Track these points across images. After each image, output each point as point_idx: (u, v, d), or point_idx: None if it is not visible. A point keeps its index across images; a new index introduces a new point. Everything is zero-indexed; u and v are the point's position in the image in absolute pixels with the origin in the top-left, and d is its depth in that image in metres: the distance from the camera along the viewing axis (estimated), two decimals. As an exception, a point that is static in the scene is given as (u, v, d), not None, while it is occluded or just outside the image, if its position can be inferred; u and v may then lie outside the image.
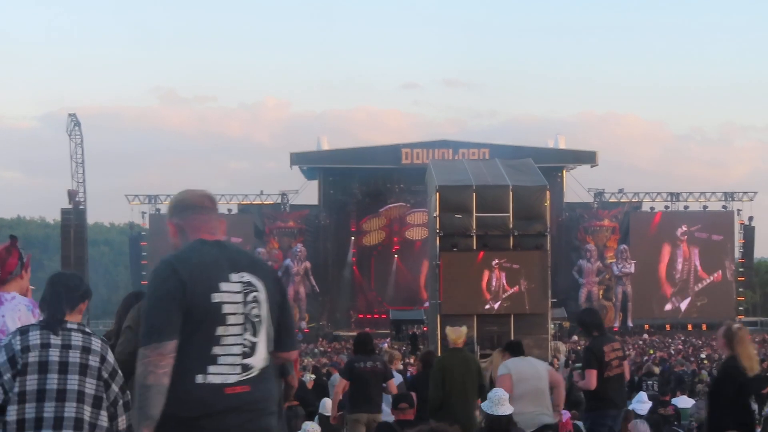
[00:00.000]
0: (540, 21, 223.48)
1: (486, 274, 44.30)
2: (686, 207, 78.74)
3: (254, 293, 5.13)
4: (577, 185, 78.99)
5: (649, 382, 25.73)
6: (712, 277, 78.09)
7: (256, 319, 5.13)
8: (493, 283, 44.54)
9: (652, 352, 51.13)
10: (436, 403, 13.42)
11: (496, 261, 44.43)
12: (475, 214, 43.98)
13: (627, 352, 21.14)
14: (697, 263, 78.21)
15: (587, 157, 79.93)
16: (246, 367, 5.08)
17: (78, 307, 6.15)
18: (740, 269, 79.37)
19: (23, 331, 5.76)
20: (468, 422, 13.11)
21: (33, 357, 5.58)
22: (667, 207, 79.04)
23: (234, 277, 5.10)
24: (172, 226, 5.36)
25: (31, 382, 5.61)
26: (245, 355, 5.08)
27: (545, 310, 44.20)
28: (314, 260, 76.93)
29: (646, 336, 72.48)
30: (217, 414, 4.97)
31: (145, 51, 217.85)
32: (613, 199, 79.38)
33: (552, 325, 49.45)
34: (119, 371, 5.91)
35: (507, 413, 11.23)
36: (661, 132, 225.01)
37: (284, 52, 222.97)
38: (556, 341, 49.79)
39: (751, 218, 78.14)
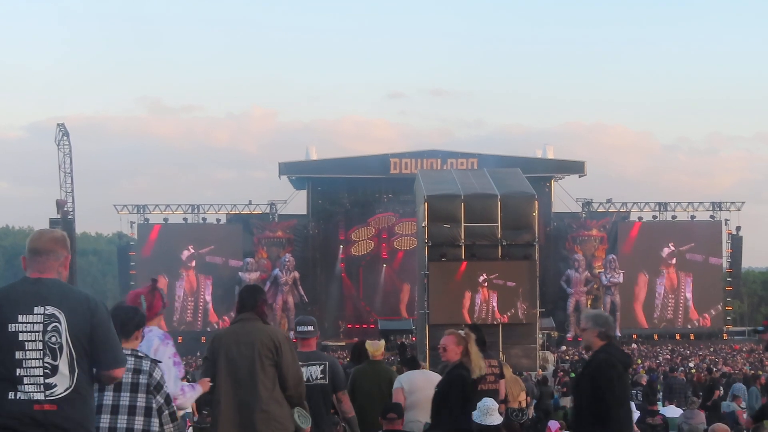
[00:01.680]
0: (526, 31, 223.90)
1: (468, 297, 44.18)
2: (674, 217, 78.79)
3: (54, 324, 5.87)
4: (566, 195, 79.23)
5: (633, 391, 25.72)
6: (703, 317, 78.01)
7: (56, 346, 5.86)
8: (477, 305, 44.42)
9: (640, 361, 51.15)
10: None
11: (484, 277, 44.30)
12: (463, 224, 43.98)
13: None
14: (689, 295, 78.40)
15: (576, 168, 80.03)
16: (49, 386, 5.84)
17: (133, 334, 7.37)
18: (728, 279, 79.45)
19: None
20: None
21: None
22: (654, 217, 79.08)
23: (37, 309, 5.88)
24: (24, 260, 6.19)
25: (95, 398, 6.60)
26: (47, 376, 5.83)
27: (534, 320, 44.25)
28: (303, 270, 76.94)
29: (634, 345, 72.51)
30: (27, 426, 5.79)
31: (130, 60, 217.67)
32: (601, 209, 79.42)
33: (540, 335, 49.46)
34: (164, 386, 7.20)
35: (496, 423, 11.21)
36: (649, 142, 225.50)
37: (270, 62, 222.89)
38: (544, 351, 49.83)
39: (738, 228, 78.21)
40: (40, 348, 5.84)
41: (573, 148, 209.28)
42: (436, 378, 13.31)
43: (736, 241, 78.53)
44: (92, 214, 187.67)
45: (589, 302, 77.33)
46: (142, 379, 7.08)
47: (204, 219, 77.44)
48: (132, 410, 7.01)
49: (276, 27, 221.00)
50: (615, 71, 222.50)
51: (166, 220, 76.87)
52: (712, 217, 78.91)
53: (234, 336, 9.13)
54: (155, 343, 8.16)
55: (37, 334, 5.85)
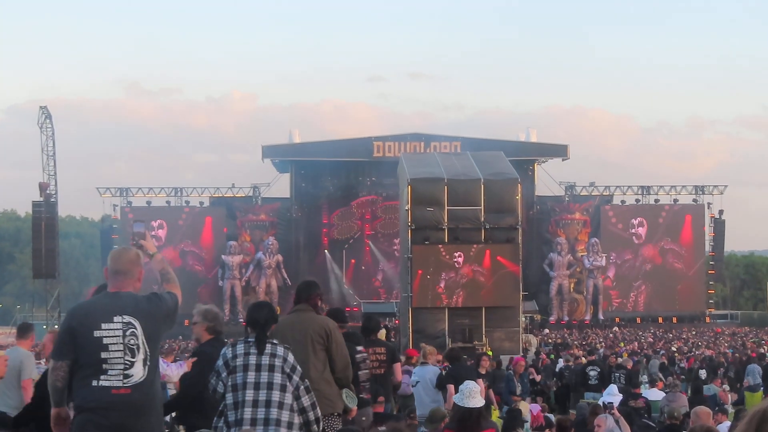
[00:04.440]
0: (503, 14, 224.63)
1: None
2: (657, 200, 79.04)
3: (132, 329, 7.53)
4: (549, 178, 79.27)
5: (616, 374, 25.82)
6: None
7: (134, 346, 7.52)
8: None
9: (622, 345, 51.32)
10: None
11: (462, 258, 44.29)
12: (446, 207, 43.97)
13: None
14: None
15: (559, 151, 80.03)
16: (127, 376, 7.48)
17: (270, 327, 9.03)
18: (711, 262, 79.66)
19: (233, 344, 8.95)
20: None
21: (239, 361, 8.74)
22: (638, 200, 79.31)
23: (117, 318, 7.52)
24: (106, 271, 7.83)
25: (239, 377, 8.72)
26: (125, 369, 7.48)
27: (516, 303, 44.24)
28: (286, 253, 77.04)
29: (616, 329, 72.72)
30: (105, 406, 7.42)
31: (107, 43, 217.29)
32: (584, 193, 79.55)
33: (523, 318, 49.52)
34: (297, 366, 8.89)
35: (478, 406, 11.26)
36: (629, 125, 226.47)
37: (249, 45, 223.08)
38: (527, 334, 49.94)
39: (721, 211, 78.42)
40: (121, 348, 7.47)
41: (553, 131, 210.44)
42: None
43: (719, 225, 78.76)
44: (73, 196, 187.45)
45: (572, 285, 77.58)
46: (277, 362, 8.76)
47: (187, 202, 77.46)
48: (270, 386, 8.68)
49: (254, 10, 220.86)
50: (593, 54, 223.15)
51: (149, 203, 76.87)
52: (694, 200, 79.16)
53: (289, 324, 10.59)
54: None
55: (118, 338, 7.48)
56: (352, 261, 79.56)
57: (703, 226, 78.98)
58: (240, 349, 8.87)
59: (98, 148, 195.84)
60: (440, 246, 44.26)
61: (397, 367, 16.04)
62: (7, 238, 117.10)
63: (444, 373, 18.04)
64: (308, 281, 11.43)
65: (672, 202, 78.92)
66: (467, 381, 11.78)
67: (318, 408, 9.02)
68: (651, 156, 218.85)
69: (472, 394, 11.24)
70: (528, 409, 22.54)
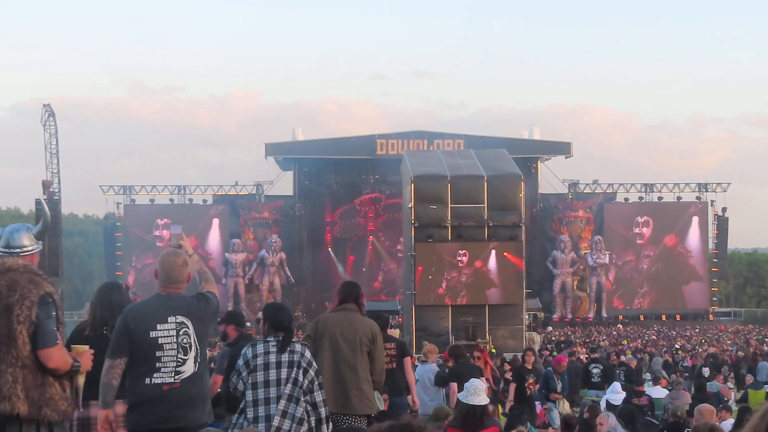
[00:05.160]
0: (506, 12, 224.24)
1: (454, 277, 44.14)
2: (660, 198, 78.94)
3: (185, 329, 7.96)
4: (552, 176, 79.22)
5: (618, 371, 25.79)
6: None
7: (186, 345, 7.94)
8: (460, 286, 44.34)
9: (626, 342, 51.27)
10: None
11: (467, 258, 44.21)
12: (450, 205, 43.92)
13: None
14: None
15: (562, 149, 79.92)
16: (178, 373, 7.89)
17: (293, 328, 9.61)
18: (714, 260, 79.53)
19: (253, 344, 9.42)
20: None
21: (259, 360, 9.16)
22: (641, 198, 79.28)
23: (171, 319, 7.95)
24: (156, 272, 8.24)
25: (260, 375, 9.13)
26: (178, 366, 7.90)
27: (520, 301, 44.17)
28: (289, 251, 76.99)
29: (620, 326, 72.67)
30: (157, 400, 7.80)
31: (110, 41, 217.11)
32: (587, 190, 79.45)
33: (527, 316, 49.46)
34: (313, 362, 9.33)
35: (482, 403, 11.27)
36: (632, 123, 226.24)
37: (252, 43, 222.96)
38: (530, 332, 49.88)
39: (724, 209, 78.30)
40: (175, 348, 7.90)
41: (556, 129, 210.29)
42: None
43: (722, 223, 78.62)
44: (76, 194, 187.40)
45: (576, 283, 77.52)
46: (296, 358, 9.18)
47: (190, 200, 77.40)
48: (286, 381, 9.08)
49: (257, 8, 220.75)
50: (596, 52, 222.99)
51: (152, 201, 76.83)
52: (698, 198, 79.06)
53: (338, 321, 10.90)
54: None
55: (172, 337, 7.90)
56: (352, 258, 79.57)
57: (706, 224, 78.87)
58: (260, 348, 9.28)
59: (101, 146, 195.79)
60: (443, 244, 44.23)
61: (408, 361, 16.01)
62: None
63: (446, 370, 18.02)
64: (351, 281, 12.00)
65: (675, 200, 78.79)
66: (473, 379, 11.80)
67: (327, 406, 9.38)
68: (654, 154, 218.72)
69: (477, 392, 11.26)
70: (568, 406, 22.53)
